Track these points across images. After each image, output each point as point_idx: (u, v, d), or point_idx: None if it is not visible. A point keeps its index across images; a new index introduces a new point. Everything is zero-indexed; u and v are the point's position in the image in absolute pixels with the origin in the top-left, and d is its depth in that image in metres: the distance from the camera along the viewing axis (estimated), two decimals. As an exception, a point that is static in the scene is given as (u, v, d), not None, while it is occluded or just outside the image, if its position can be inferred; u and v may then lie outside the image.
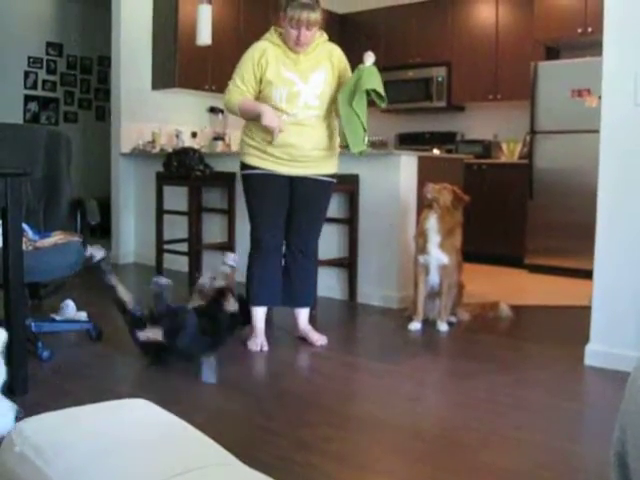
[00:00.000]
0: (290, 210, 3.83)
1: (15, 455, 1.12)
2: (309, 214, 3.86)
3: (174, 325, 3.39)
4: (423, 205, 4.45)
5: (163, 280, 3.60)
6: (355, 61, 3.77)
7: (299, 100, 3.63)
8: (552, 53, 7.06)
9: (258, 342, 3.82)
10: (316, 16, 3.54)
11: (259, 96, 3.70)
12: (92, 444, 1.12)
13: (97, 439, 1.14)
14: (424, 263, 4.34)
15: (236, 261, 3.89)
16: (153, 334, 3.38)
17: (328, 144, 3.76)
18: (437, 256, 4.29)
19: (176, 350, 3.40)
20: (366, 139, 3.65)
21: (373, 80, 3.54)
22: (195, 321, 3.43)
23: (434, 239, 4.28)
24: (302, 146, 3.67)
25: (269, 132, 3.60)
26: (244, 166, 3.82)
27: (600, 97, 3.55)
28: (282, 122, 3.58)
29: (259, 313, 3.91)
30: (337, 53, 3.78)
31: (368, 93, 3.58)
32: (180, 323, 3.40)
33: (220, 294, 3.67)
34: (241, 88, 3.69)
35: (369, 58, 3.57)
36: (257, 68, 3.65)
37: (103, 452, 1.10)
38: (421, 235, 4.35)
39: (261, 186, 3.77)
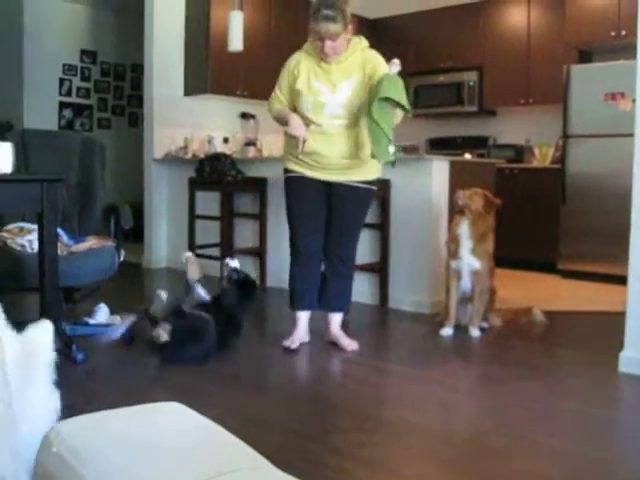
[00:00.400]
0: (328, 217, 3.86)
1: (52, 455, 1.14)
2: (346, 220, 3.87)
3: (191, 335, 3.54)
4: (455, 210, 4.43)
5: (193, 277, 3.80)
6: (386, 67, 3.78)
7: (325, 110, 3.66)
8: (585, 56, 6.99)
9: (293, 339, 3.91)
10: (337, 28, 3.49)
11: (293, 105, 3.79)
12: (126, 446, 1.13)
13: (131, 442, 1.15)
14: (456, 268, 4.32)
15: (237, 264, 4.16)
16: (163, 331, 3.51)
17: (357, 152, 3.72)
18: (469, 261, 4.27)
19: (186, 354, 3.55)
20: (391, 149, 3.47)
21: (392, 89, 3.40)
22: (214, 333, 3.60)
23: (466, 244, 4.26)
24: (328, 154, 3.70)
25: (296, 140, 3.66)
26: (285, 170, 3.93)
27: (634, 100, 3.50)
28: (307, 132, 3.63)
29: (302, 316, 3.99)
30: (370, 59, 3.69)
31: (396, 102, 3.44)
32: (199, 336, 3.55)
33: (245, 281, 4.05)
34: (279, 97, 3.82)
35: (393, 66, 3.49)
36: (291, 77, 3.75)
37: (137, 454, 1.11)
38: (453, 240, 4.34)
39: (297, 189, 3.84)
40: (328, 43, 3.54)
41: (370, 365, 3.67)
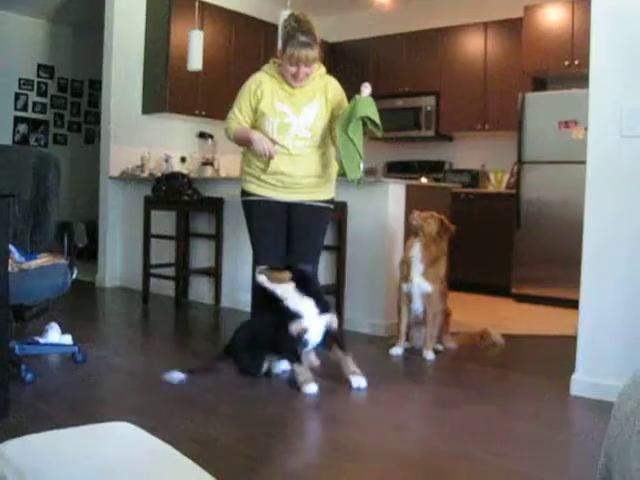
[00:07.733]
0: (288, 236, 3.90)
1: (-4, 478, 1.11)
2: (307, 239, 3.91)
3: None
4: (410, 231, 4.45)
5: None
6: (346, 89, 3.84)
7: (290, 131, 3.71)
8: (539, 84, 7.14)
9: None
10: (314, 54, 3.61)
11: (255, 126, 3.78)
12: (75, 467, 1.11)
13: (80, 462, 1.13)
14: (407, 291, 4.33)
15: None
16: None
17: (321, 171, 3.82)
18: (420, 285, 4.28)
19: None
20: (362, 165, 3.69)
21: (368, 108, 3.60)
22: None
23: (418, 267, 4.27)
24: (294, 174, 3.75)
25: (262, 159, 3.69)
26: (243, 192, 3.93)
27: (586, 128, 3.58)
28: (272, 146, 3.65)
29: None
30: (332, 86, 3.82)
31: (365, 122, 3.64)
32: None
33: None
34: (238, 117, 3.80)
35: (365, 89, 3.63)
36: (253, 98, 3.76)
37: (86, 475, 1.08)
38: (405, 263, 4.35)
39: (258, 212, 3.86)
40: (303, 69, 3.62)
41: (324, 386, 3.65)
